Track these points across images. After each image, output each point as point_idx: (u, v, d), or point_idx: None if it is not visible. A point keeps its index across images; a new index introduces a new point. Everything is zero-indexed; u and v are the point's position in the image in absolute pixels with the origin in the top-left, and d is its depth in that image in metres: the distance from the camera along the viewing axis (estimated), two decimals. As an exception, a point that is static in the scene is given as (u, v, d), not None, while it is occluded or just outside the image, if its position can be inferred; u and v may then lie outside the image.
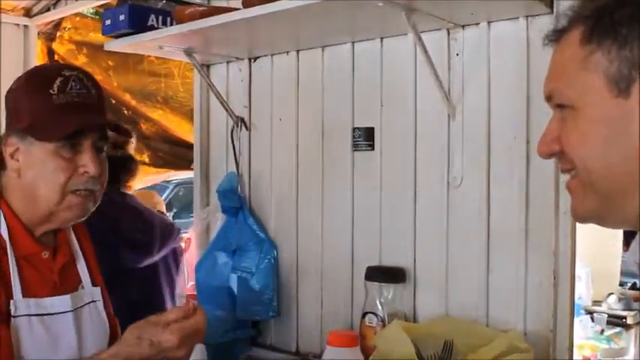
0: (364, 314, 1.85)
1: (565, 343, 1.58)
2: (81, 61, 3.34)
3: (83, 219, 1.53)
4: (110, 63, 3.35)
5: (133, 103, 3.38)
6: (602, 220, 0.95)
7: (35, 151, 1.43)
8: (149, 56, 3.21)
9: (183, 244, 3.16)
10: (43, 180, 1.43)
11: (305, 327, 2.13)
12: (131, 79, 3.35)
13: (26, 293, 1.42)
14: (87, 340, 1.55)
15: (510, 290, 1.69)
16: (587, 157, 0.90)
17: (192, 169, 3.70)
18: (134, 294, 2.56)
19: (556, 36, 0.98)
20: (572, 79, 0.91)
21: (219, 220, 2.26)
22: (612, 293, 3.46)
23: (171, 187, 8.66)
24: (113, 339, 1.65)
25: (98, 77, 3.33)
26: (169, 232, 3.04)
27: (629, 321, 3.50)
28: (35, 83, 1.48)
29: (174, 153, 3.54)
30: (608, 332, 4.25)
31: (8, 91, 1.50)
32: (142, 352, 1.36)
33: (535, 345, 1.58)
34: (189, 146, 3.55)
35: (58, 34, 3.33)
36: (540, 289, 1.63)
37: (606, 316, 4.25)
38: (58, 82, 1.44)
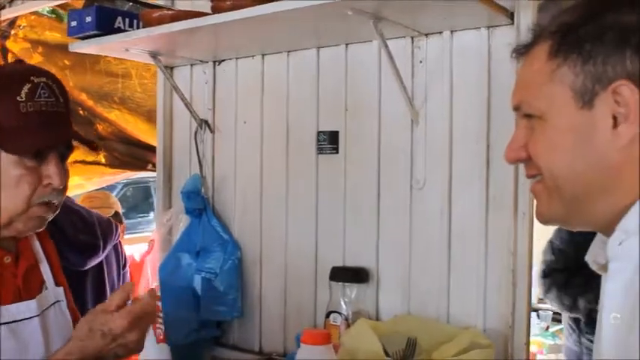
0: (328, 313, 1.89)
1: (523, 339, 1.65)
2: (36, 60, 3.29)
3: (40, 230, 1.51)
4: (66, 62, 3.31)
5: (90, 103, 3.35)
6: (566, 222, 1.02)
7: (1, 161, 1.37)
8: (106, 56, 3.18)
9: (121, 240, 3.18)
10: (5, 190, 1.37)
11: (268, 327, 2.16)
12: (88, 79, 3.31)
13: None
14: (54, 342, 1.55)
15: (470, 289, 1.76)
16: (553, 164, 0.96)
17: (148, 170, 3.70)
18: (83, 296, 2.56)
19: (523, 49, 1.04)
20: (540, 91, 0.97)
21: (181, 221, 2.27)
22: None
23: (119, 187, 8.57)
24: None
25: (54, 77, 3.31)
26: (110, 229, 3.04)
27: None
28: (2, 88, 1.40)
29: (130, 153, 3.52)
30: (553, 329, 4.43)
31: None
32: (95, 344, 1.34)
33: (494, 341, 1.66)
34: (146, 147, 3.55)
35: (13, 32, 3.27)
36: (499, 288, 1.71)
37: (551, 313, 4.41)
38: (25, 88, 1.38)
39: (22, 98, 1.37)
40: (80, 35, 2.00)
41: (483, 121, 1.74)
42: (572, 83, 0.93)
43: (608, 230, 0.94)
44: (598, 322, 1.08)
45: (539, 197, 1.01)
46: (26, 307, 1.46)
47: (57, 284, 1.62)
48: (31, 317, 1.46)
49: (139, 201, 8.77)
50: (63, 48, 3.34)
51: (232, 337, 2.23)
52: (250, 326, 2.19)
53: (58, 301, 1.60)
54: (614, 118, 0.90)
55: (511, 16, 1.67)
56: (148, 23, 1.91)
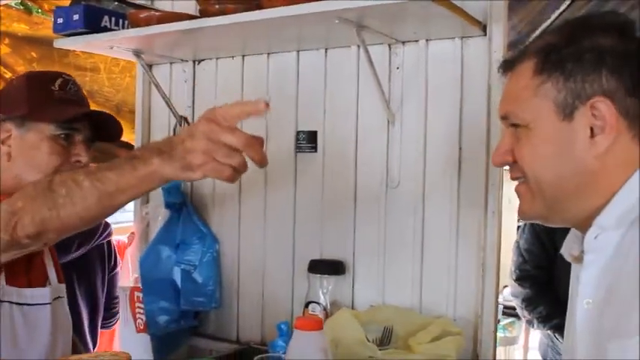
0: (307, 303, 2.00)
1: (491, 327, 1.79)
2: (3, 51, 3.28)
3: None
4: (34, 55, 3.31)
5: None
6: (546, 219, 1.15)
7: (30, 136, 1.53)
8: (74, 50, 3.20)
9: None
10: (35, 164, 1.53)
11: (245, 317, 2.25)
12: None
13: (7, 281, 1.47)
14: (58, 334, 1.61)
15: (442, 281, 1.88)
16: (537, 169, 1.09)
17: (115, 164, 3.71)
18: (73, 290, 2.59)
19: (510, 65, 1.17)
20: (526, 104, 1.10)
21: (160, 215, 2.33)
22: (506, 286, 3.76)
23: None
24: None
25: (21, 69, 3.31)
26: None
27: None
28: (36, 80, 1.63)
29: (98, 147, 3.52)
30: (504, 322, 4.62)
31: (6, 85, 1.68)
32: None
33: (463, 329, 1.79)
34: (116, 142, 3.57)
35: (-21, 23, 3.25)
36: (469, 280, 1.84)
37: (502, 307, 4.60)
38: (59, 81, 1.62)
39: (55, 88, 1.60)
40: (66, 32, 2.04)
41: (456, 125, 1.87)
42: (554, 98, 1.06)
43: (583, 226, 1.08)
44: (570, 307, 1.21)
45: (523, 197, 1.14)
46: (40, 293, 1.54)
47: (59, 281, 1.69)
48: (44, 304, 1.53)
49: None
50: (30, 40, 3.36)
51: (210, 327, 2.31)
52: (228, 316, 2.28)
53: (60, 296, 1.67)
54: (592, 129, 1.04)
55: (484, 28, 1.80)
56: (136, 23, 1.97)
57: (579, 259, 1.13)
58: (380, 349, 1.70)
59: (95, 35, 1.99)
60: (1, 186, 1.52)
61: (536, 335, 3.39)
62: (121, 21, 2.06)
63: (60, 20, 2.03)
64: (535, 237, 2.95)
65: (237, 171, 1.18)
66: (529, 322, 3.08)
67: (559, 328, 2.91)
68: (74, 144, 1.58)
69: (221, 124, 1.16)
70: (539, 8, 2.84)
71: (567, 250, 1.20)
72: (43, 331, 1.52)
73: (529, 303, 2.93)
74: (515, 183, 1.16)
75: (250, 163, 1.20)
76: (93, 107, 3.42)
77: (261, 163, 1.22)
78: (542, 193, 1.09)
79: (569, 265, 2.93)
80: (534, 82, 1.08)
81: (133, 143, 3.48)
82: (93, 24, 2.00)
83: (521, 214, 1.17)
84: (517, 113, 1.11)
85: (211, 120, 1.17)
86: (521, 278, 2.95)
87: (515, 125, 1.12)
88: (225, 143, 1.15)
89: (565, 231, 2.91)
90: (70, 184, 1.21)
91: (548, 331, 3.01)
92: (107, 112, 1.76)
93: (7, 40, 3.33)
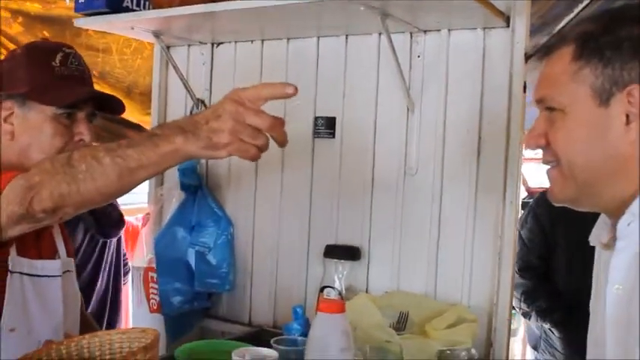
0: (322, 288, 2.01)
1: (505, 315, 1.81)
2: (16, 30, 3.27)
3: None
4: (46, 34, 3.29)
5: (69, 75, 3.35)
6: (577, 203, 1.17)
7: (32, 116, 1.51)
8: (87, 30, 3.19)
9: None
10: (38, 144, 1.50)
11: (258, 300, 2.27)
12: (69, 52, 3.31)
13: (19, 252, 1.48)
14: (68, 307, 1.62)
15: (457, 269, 1.91)
16: (571, 152, 1.11)
17: (125, 145, 3.72)
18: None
19: (547, 51, 1.18)
20: (563, 89, 1.11)
21: (174, 197, 2.34)
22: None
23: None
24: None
25: (32, 48, 3.30)
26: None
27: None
28: (36, 55, 1.56)
29: (107, 128, 3.53)
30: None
31: (3, 60, 1.59)
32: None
33: (478, 316, 1.81)
34: (124, 122, 3.58)
35: (-8, 0, 3.24)
36: (485, 269, 1.86)
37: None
38: (59, 56, 1.55)
39: (56, 63, 1.53)
40: (88, 11, 2.04)
41: (475, 115, 1.88)
42: (592, 84, 1.08)
43: (614, 212, 1.10)
44: (595, 295, 1.23)
45: (555, 180, 1.15)
46: (51, 266, 1.55)
47: (68, 255, 1.70)
48: (54, 276, 1.54)
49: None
50: (43, 19, 3.34)
51: (222, 309, 2.33)
52: (240, 299, 2.29)
53: (69, 270, 1.68)
54: (627, 116, 1.05)
55: (507, 19, 1.81)
56: (158, 4, 1.97)
57: (608, 245, 1.14)
58: (396, 334, 1.72)
59: (117, 15, 1.99)
60: (1, 164, 1.51)
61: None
62: (142, 1, 2.06)
63: (82, 0, 2.03)
64: (538, 226, 2.95)
65: (261, 150, 1.19)
66: (525, 315, 3.08)
67: (558, 323, 2.93)
68: (76, 122, 1.55)
69: (247, 106, 1.18)
70: (551, 4, 2.85)
71: (596, 236, 1.22)
72: (55, 303, 1.53)
73: (528, 296, 2.93)
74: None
75: (270, 143, 1.22)
76: (104, 88, 3.45)
77: (283, 143, 1.26)
78: (574, 177, 1.11)
79: (568, 256, 2.94)
80: (572, 68, 1.10)
81: (142, 125, 3.50)
82: (115, 4, 2.01)
83: (552, 197, 1.18)
84: (554, 97, 1.12)
85: (237, 101, 1.18)
86: (523, 269, 2.95)
87: (550, 109, 1.13)
88: (250, 124, 1.16)
89: (569, 221, 2.92)
90: (89, 160, 1.20)
91: (545, 325, 3.03)
92: (106, 92, 1.72)
93: (20, 19, 3.31)
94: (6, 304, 1.43)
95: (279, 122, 1.22)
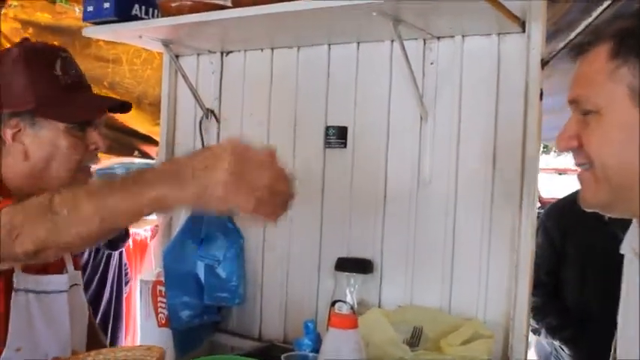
0: (334, 302, 1.96)
1: (522, 331, 1.75)
2: (26, 41, 3.26)
3: None
4: (56, 44, 3.28)
5: (79, 86, 3.33)
6: (608, 208, 1.11)
7: (45, 133, 1.45)
8: (97, 40, 3.17)
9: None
10: (56, 160, 1.46)
11: (268, 314, 2.22)
12: (78, 63, 3.29)
13: (24, 268, 1.44)
14: (75, 323, 1.59)
15: (473, 282, 1.85)
16: (605, 155, 1.05)
17: (135, 157, 3.71)
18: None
19: (582, 49, 1.12)
20: (599, 88, 1.06)
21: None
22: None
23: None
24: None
25: (43, 58, 3.29)
26: None
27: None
28: (35, 63, 1.48)
29: (118, 139, 3.51)
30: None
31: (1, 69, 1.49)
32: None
33: (494, 332, 1.75)
34: (134, 133, 3.56)
35: (3, 11, 3.23)
36: (501, 282, 1.80)
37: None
38: (59, 63, 1.49)
39: (58, 72, 1.47)
40: (96, 20, 2.01)
41: (491, 123, 1.83)
42: (629, 83, 1.03)
43: None
44: (625, 303, 1.17)
45: (586, 184, 1.10)
46: (57, 280, 1.51)
47: (76, 268, 1.66)
48: (61, 291, 1.50)
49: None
50: (53, 29, 3.33)
51: (231, 324, 2.28)
52: (250, 313, 2.24)
53: (76, 284, 1.64)
54: None
55: (522, 24, 1.76)
56: (167, 12, 1.94)
57: None
58: (410, 350, 1.66)
59: (125, 24, 1.96)
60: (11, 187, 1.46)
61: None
62: (151, 10, 2.03)
63: (90, 8, 2.01)
64: (547, 240, 2.89)
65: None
66: (535, 332, 3.02)
67: (568, 340, 2.87)
68: (89, 131, 1.51)
69: (251, 158, 1.11)
70: (564, 10, 2.80)
71: (629, 244, 1.16)
72: (61, 319, 1.49)
73: (537, 312, 2.85)
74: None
75: (277, 150, 1.16)
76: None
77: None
78: (607, 180, 1.05)
79: (578, 270, 2.87)
80: (609, 66, 1.05)
81: (151, 136, 3.48)
82: (123, 12, 1.98)
83: (583, 202, 1.12)
84: (589, 97, 1.07)
85: (239, 153, 1.10)
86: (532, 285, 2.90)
87: (584, 111, 1.08)
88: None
89: (579, 235, 2.85)
90: (71, 205, 1.15)
91: (555, 342, 2.96)
92: (111, 97, 1.68)
93: (30, 30, 3.31)
94: (11, 323, 1.39)
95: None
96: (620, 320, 1.19)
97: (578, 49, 1.12)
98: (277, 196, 1.13)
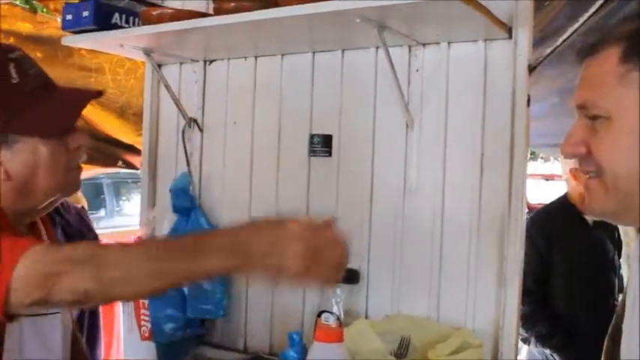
0: (320, 313, 1.92)
1: (512, 340, 1.72)
2: (7, 50, 3.22)
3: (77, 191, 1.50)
4: (38, 54, 3.23)
5: (61, 97, 3.29)
6: (616, 217, 1.08)
7: (20, 145, 1.33)
8: (80, 50, 3.14)
9: None
10: (40, 169, 1.34)
11: (253, 326, 2.18)
12: (60, 72, 3.23)
13: None
14: (65, 341, 1.52)
15: (461, 291, 1.82)
16: (617, 163, 1.00)
17: (119, 167, 3.66)
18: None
19: (591, 51, 1.06)
20: (609, 93, 1.01)
21: (166, 219, 2.27)
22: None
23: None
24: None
25: (25, 69, 3.25)
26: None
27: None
28: None
29: (101, 149, 3.47)
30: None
31: None
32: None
33: (483, 341, 1.73)
34: (117, 143, 3.52)
35: (-17, 21, 3.19)
36: (489, 290, 1.78)
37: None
38: (12, 68, 1.31)
39: (16, 79, 1.30)
40: (75, 29, 1.98)
41: (477, 130, 1.81)
42: None
43: None
44: (631, 311, 1.14)
45: (594, 192, 1.05)
46: None
47: None
48: (55, 312, 1.43)
49: (89, 198, 8.61)
50: (35, 39, 3.29)
51: (216, 336, 2.24)
52: (235, 325, 2.21)
53: None
54: None
55: (509, 30, 1.74)
56: (148, 21, 1.91)
57: None
58: (398, 362, 1.63)
59: (105, 32, 1.93)
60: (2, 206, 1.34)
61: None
62: (131, 18, 2.01)
63: (69, 17, 1.97)
64: (533, 248, 2.86)
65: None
66: (524, 341, 3.00)
67: (558, 348, 2.85)
68: (67, 131, 1.38)
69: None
70: (550, 17, 2.80)
71: (635, 255, 1.12)
72: (54, 342, 1.42)
73: (526, 321, 2.84)
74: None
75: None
76: (96, 108, 3.39)
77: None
78: (617, 188, 1.01)
79: (566, 279, 2.87)
80: (620, 70, 1.00)
81: (135, 145, 3.43)
82: (103, 21, 1.94)
83: (590, 211, 1.08)
84: (598, 102, 1.02)
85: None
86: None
87: (593, 117, 1.04)
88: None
89: (565, 242, 2.84)
90: (124, 265, 1.11)
91: (545, 350, 2.95)
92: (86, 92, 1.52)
93: (11, 39, 3.26)
94: (5, 354, 1.32)
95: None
96: (625, 330, 1.15)
97: (585, 51, 1.08)
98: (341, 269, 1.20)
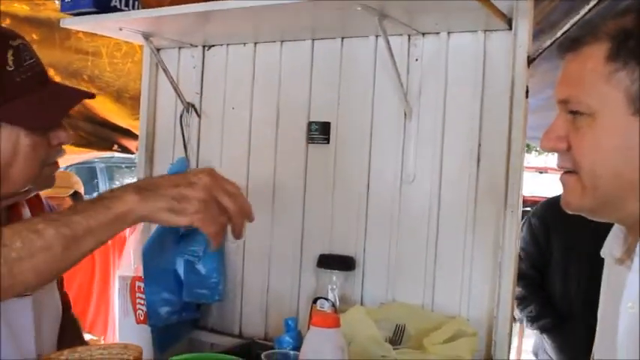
0: (315, 299, 1.94)
1: (506, 329, 1.74)
2: (3, 32, 3.20)
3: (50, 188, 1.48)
4: (34, 37, 3.21)
5: (57, 79, 3.26)
6: (592, 213, 1.08)
7: (3, 132, 1.29)
8: (77, 33, 3.12)
9: None
10: (18, 159, 1.31)
11: (249, 311, 2.19)
12: (57, 55, 3.23)
13: None
14: (44, 325, 1.48)
15: (456, 280, 1.84)
16: (596, 162, 1.00)
17: (114, 150, 3.66)
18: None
19: (575, 45, 1.06)
20: (593, 90, 1.00)
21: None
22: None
23: (62, 168, 8.40)
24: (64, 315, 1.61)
25: (21, 51, 3.23)
26: None
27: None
28: None
29: (96, 133, 3.46)
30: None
31: None
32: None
33: (477, 329, 1.74)
34: (113, 127, 3.51)
35: (-21, 2, 3.17)
36: (484, 279, 1.79)
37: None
38: (10, 56, 1.28)
39: (11, 67, 1.28)
40: (74, 11, 1.97)
41: (475, 120, 1.82)
42: (626, 88, 0.97)
43: (633, 227, 1.02)
44: (603, 309, 1.16)
45: (571, 189, 1.06)
46: None
47: None
48: (23, 296, 1.35)
49: (83, 182, 8.60)
50: (31, 21, 3.27)
51: (211, 320, 2.25)
52: (230, 310, 2.22)
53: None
54: None
55: (509, 22, 1.74)
56: (148, 4, 1.91)
57: (621, 260, 1.07)
58: (392, 349, 1.65)
59: (105, 15, 1.92)
60: None
61: (531, 337, 3.37)
62: (131, 2, 2.00)
63: (68, -1, 1.96)
64: (532, 237, 2.96)
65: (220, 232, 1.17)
66: (519, 321, 3.10)
67: (547, 329, 2.93)
68: (52, 129, 1.35)
69: (223, 185, 1.17)
70: (548, 11, 2.80)
71: (608, 250, 1.13)
72: (25, 329, 1.37)
73: (520, 302, 2.92)
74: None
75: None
76: (93, 92, 3.38)
77: (239, 236, 1.23)
78: (595, 188, 1.01)
79: (563, 268, 2.92)
80: (607, 69, 0.99)
81: (131, 129, 3.42)
82: (102, 4, 1.94)
83: (566, 206, 1.08)
84: (581, 99, 1.01)
85: (214, 177, 1.16)
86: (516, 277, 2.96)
87: (575, 112, 1.03)
88: (220, 203, 1.15)
89: (563, 233, 2.88)
90: (26, 234, 1.06)
91: (536, 331, 3.03)
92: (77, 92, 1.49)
93: (8, 21, 3.24)
94: None
95: (246, 210, 1.23)
96: (599, 325, 1.17)
97: (568, 44, 1.08)
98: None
